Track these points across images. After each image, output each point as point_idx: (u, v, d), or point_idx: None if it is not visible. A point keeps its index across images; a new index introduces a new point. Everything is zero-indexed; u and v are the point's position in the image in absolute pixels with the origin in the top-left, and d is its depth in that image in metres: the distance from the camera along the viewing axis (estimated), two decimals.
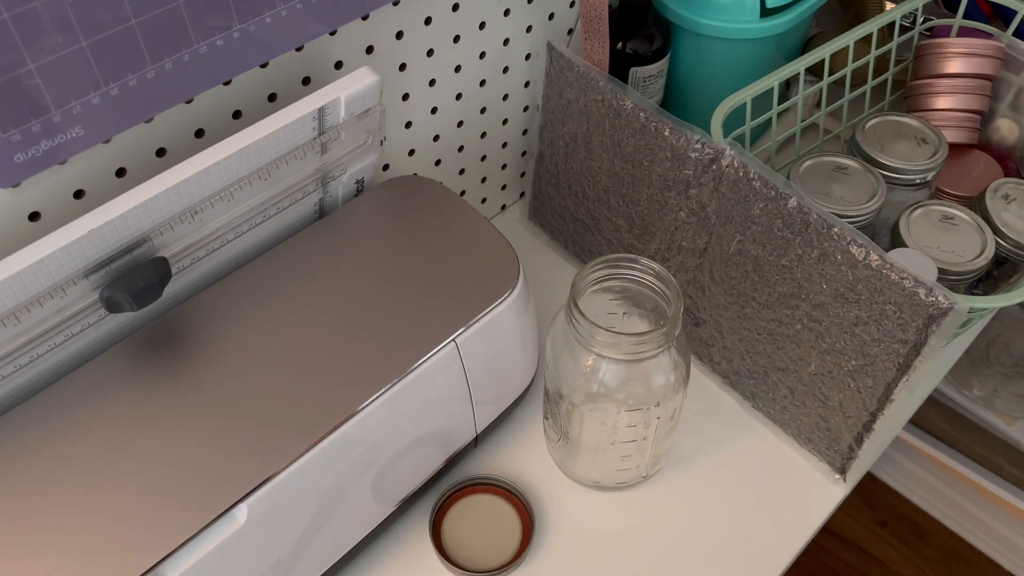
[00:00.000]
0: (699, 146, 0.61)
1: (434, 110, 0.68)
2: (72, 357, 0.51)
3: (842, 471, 0.64)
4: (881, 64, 0.80)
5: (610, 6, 0.68)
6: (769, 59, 0.76)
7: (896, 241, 0.67)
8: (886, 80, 0.82)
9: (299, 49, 0.55)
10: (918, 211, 0.68)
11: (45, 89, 0.43)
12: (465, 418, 0.59)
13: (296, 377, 0.51)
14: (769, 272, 0.60)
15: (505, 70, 0.72)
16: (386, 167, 0.68)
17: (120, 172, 0.51)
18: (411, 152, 0.69)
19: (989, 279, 0.70)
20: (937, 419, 1.25)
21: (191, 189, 0.47)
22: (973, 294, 0.68)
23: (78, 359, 0.51)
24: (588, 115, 0.68)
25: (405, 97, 0.65)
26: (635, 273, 0.56)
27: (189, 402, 0.49)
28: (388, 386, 0.51)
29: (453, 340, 0.54)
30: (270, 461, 0.47)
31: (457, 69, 0.68)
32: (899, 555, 1.30)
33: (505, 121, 0.76)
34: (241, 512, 0.46)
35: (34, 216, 0.49)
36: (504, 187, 0.82)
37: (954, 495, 1.29)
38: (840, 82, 0.77)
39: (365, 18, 0.58)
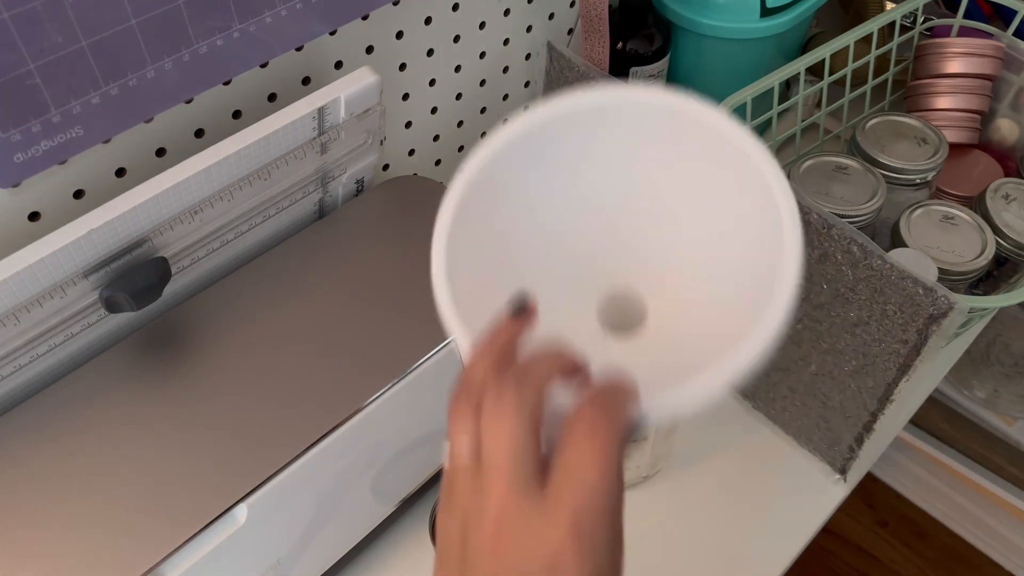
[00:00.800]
0: None
1: (434, 110, 0.68)
2: (72, 357, 0.51)
3: (842, 471, 0.64)
4: (881, 64, 0.80)
5: (610, 6, 0.68)
6: (769, 59, 0.76)
7: (896, 241, 0.67)
8: (886, 80, 0.82)
9: (299, 49, 0.55)
10: (918, 211, 0.68)
11: (45, 89, 0.43)
12: None
13: (296, 377, 0.51)
14: None
15: (505, 70, 0.72)
16: (386, 167, 0.68)
17: (120, 172, 0.51)
18: (411, 152, 0.69)
19: (989, 279, 0.70)
20: (937, 419, 1.24)
21: (191, 189, 0.47)
22: (973, 294, 0.68)
23: (78, 359, 0.51)
24: None
25: (405, 97, 0.65)
26: None
27: (189, 402, 0.49)
28: (388, 386, 0.51)
29: (453, 340, 0.54)
30: (270, 461, 0.47)
31: (457, 69, 0.68)
32: (899, 555, 1.30)
33: (505, 121, 0.76)
34: (241, 512, 0.46)
35: (34, 216, 0.49)
36: None
37: (954, 495, 1.29)
38: (840, 82, 0.77)
39: (365, 18, 0.58)
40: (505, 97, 0.74)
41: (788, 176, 0.69)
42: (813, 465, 0.66)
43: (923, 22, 0.82)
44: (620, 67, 0.74)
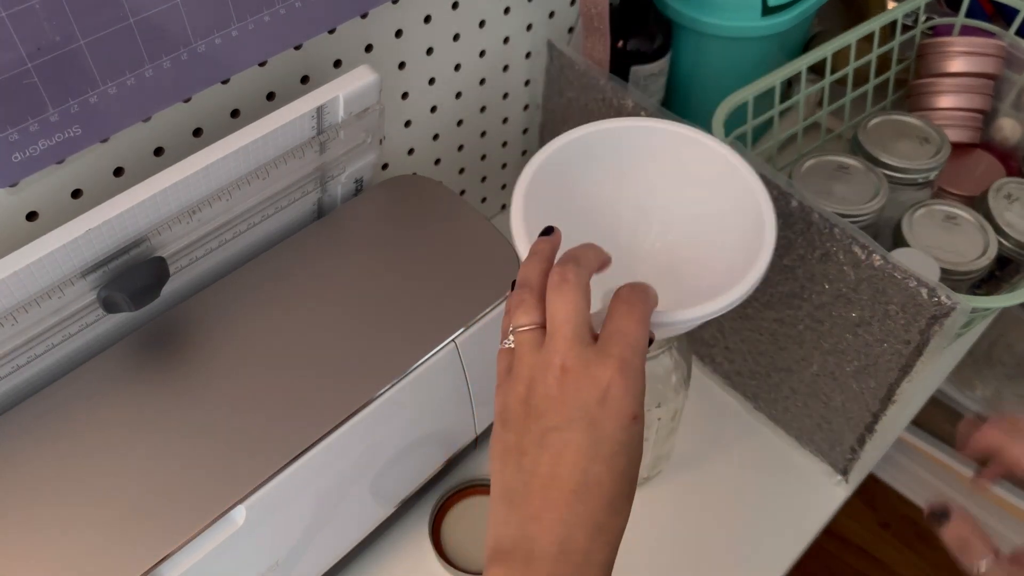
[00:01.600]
0: None
1: (433, 109, 0.68)
2: (70, 357, 0.51)
3: (844, 472, 0.64)
4: (883, 63, 0.79)
5: (611, 4, 0.68)
6: (771, 58, 0.76)
7: (898, 241, 0.67)
8: (888, 79, 0.81)
9: (298, 47, 0.55)
10: (920, 211, 0.67)
11: (43, 88, 0.43)
12: (465, 419, 0.59)
13: (295, 378, 0.50)
14: (771, 272, 0.60)
15: (505, 68, 0.72)
16: (385, 166, 0.68)
17: (118, 171, 0.51)
18: (410, 151, 0.69)
19: (992, 279, 0.69)
20: (939, 420, 1.24)
21: (189, 188, 0.47)
22: (975, 294, 0.68)
23: (76, 359, 0.51)
24: (589, 114, 0.67)
25: (404, 96, 0.65)
26: None
27: (187, 403, 0.49)
28: (388, 386, 0.51)
29: (453, 340, 0.53)
30: (268, 462, 0.47)
31: (457, 68, 0.67)
32: (901, 556, 1.30)
33: (505, 120, 0.76)
34: (240, 513, 0.46)
35: (32, 216, 0.49)
36: (504, 186, 0.82)
37: (956, 496, 1.29)
38: (842, 81, 0.76)
39: (364, 16, 0.57)
40: (505, 96, 0.74)
41: (790, 176, 0.69)
42: (815, 466, 0.66)
43: (925, 21, 0.82)
44: (621, 65, 0.73)
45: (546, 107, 0.73)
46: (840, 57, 0.73)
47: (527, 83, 0.75)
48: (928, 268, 0.63)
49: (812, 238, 0.56)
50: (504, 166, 0.80)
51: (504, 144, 0.78)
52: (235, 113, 0.55)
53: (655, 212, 0.54)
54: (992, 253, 0.65)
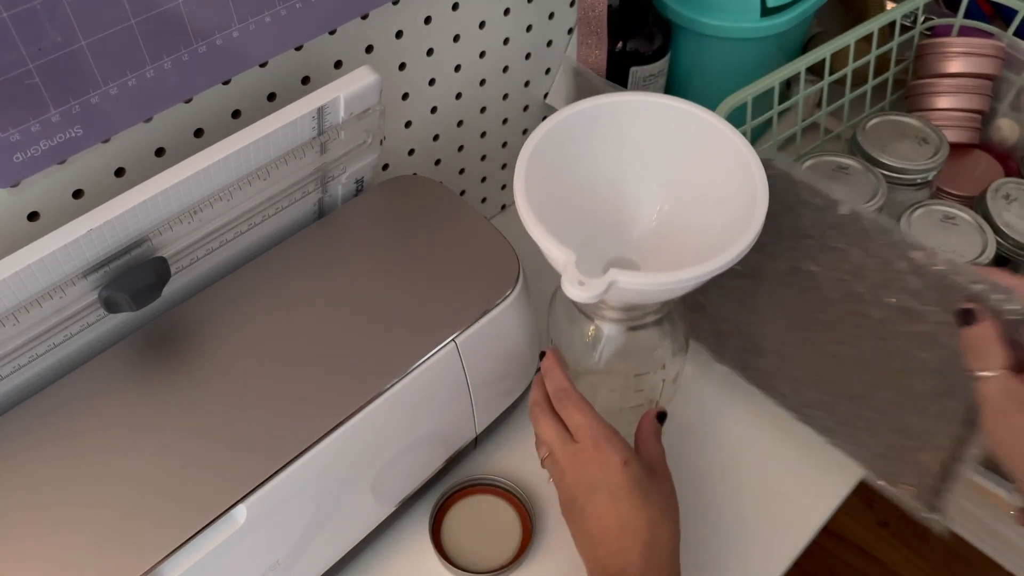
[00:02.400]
0: None
1: (434, 109, 0.68)
2: (71, 357, 0.51)
3: (935, 509, 0.59)
4: (882, 63, 0.79)
5: (610, 5, 0.68)
6: (770, 58, 0.76)
7: None
8: (887, 80, 0.81)
9: (298, 48, 0.55)
10: (919, 211, 0.68)
11: (44, 89, 0.43)
12: (465, 418, 0.59)
13: (295, 377, 0.51)
14: (827, 288, 0.56)
15: (505, 69, 0.72)
16: (386, 167, 0.68)
17: (119, 172, 0.51)
18: (411, 152, 0.69)
19: None
20: None
21: (190, 189, 0.47)
22: None
23: (77, 359, 0.51)
24: None
25: (405, 96, 0.65)
26: None
27: (188, 402, 0.49)
28: (388, 386, 0.51)
29: (453, 340, 0.54)
30: (269, 461, 0.47)
31: (457, 68, 0.67)
32: (900, 556, 1.30)
33: (505, 121, 0.76)
34: (240, 512, 0.46)
35: (33, 216, 0.49)
36: (504, 187, 0.82)
37: (955, 495, 1.29)
38: (841, 81, 0.76)
39: (365, 17, 0.57)
40: (505, 96, 0.74)
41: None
42: (830, 473, 0.65)
43: (924, 22, 0.82)
44: (620, 67, 0.73)
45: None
46: (839, 58, 0.73)
47: (527, 84, 0.75)
48: None
49: (867, 246, 0.52)
50: (504, 166, 0.80)
51: (504, 145, 0.78)
52: (236, 114, 0.55)
53: (653, 183, 0.56)
54: (990, 253, 0.65)
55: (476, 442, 0.63)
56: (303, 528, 0.51)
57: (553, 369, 0.54)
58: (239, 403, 0.49)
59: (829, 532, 1.33)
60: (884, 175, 0.69)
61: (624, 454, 0.50)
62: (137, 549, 0.43)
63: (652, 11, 0.73)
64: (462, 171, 0.76)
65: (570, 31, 0.75)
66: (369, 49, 0.59)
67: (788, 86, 0.76)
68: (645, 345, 0.58)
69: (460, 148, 0.74)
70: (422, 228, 0.59)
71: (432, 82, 0.66)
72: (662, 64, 0.75)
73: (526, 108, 0.77)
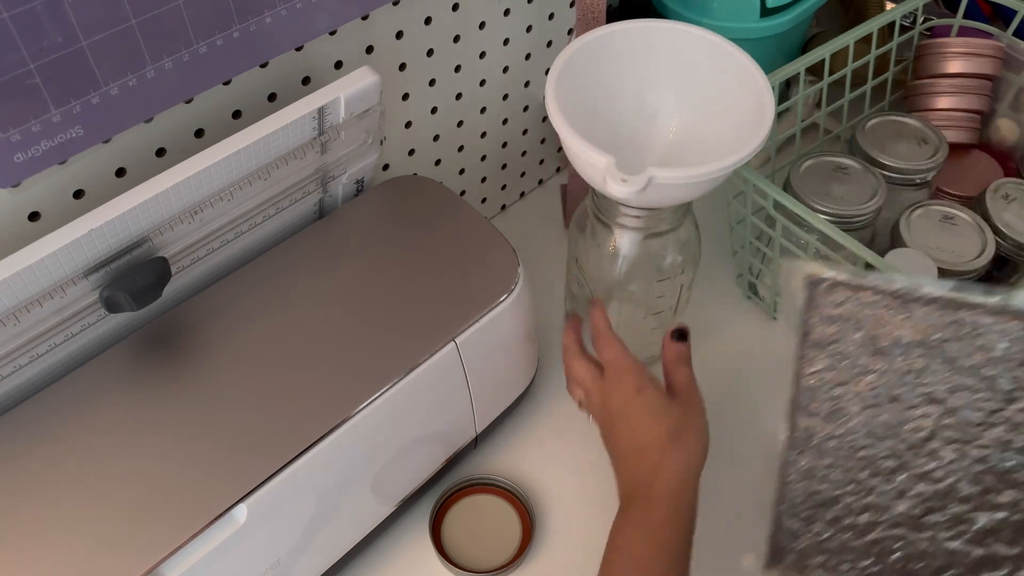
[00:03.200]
0: None
1: (434, 110, 0.68)
2: (72, 357, 0.51)
3: None
4: (881, 64, 0.80)
5: (610, 5, 0.68)
6: (769, 59, 0.76)
7: (896, 241, 0.67)
8: (886, 80, 0.82)
9: (299, 49, 0.55)
10: (918, 211, 0.68)
11: (45, 89, 0.43)
12: (465, 418, 0.59)
13: (296, 377, 0.51)
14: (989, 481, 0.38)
15: (505, 70, 0.72)
16: (386, 167, 0.68)
17: (120, 172, 0.51)
18: (411, 152, 0.69)
19: (989, 280, 0.70)
20: None
21: (191, 189, 0.47)
22: None
23: (78, 359, 0.51)
24: None
25: (405, 97, 0.65)
26: None
27: (189, 402, 0.49)
28: (388, 386, 0.51)
29: (453, 340, 0.54)
30: (270, 461, 0.47)
31: (457, 69, 0.67)
32: None
33: (505, 121, 0.76)
34: (241, 512, 0.46)
35: (34, 216, 0.49)
36: (504, 187, 0.82)
37: None
38: (840, 82, 0.77)
39: (365, 18, 0.58)
40: (505, 97, 0.74)
41: (788, 176, 0.69)
42: None
43: (923, 22, 0.82)
44: None
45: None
46: (838, 58, 0.74)
47: (527, 84, 0.75)
48: (926, 269, 0.63)
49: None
50: (504, 167, 0.80)
51: (504, 145, 0.78)
52: (237, 114, 0.55)
53: (671, 98, 0.61)
54: (990, 253, 0.65)
55: (476, 442, 0.63)
56: (304, 528, 0.51)
57: (597, 312, 0.57)
58: (240, 403, 0.49)
59: None
60: (883, 175, 0.69)
61: (639, 382, 0.52)
62: (137, 549, 0.44)
63: (651, 12, 0.73)
64: (462, 171, 0.76)
65: (570, 31, 0.75)
66: (369, 50, 0.60)
67: (787, 86, 0.76)
68: (661, 253, 0.62)
69: (460, 148, 0.74)
70: (422, 228, 0.59)
71: (432, 82, 0.66)
72: None
73: (526, 108, 0.77)
